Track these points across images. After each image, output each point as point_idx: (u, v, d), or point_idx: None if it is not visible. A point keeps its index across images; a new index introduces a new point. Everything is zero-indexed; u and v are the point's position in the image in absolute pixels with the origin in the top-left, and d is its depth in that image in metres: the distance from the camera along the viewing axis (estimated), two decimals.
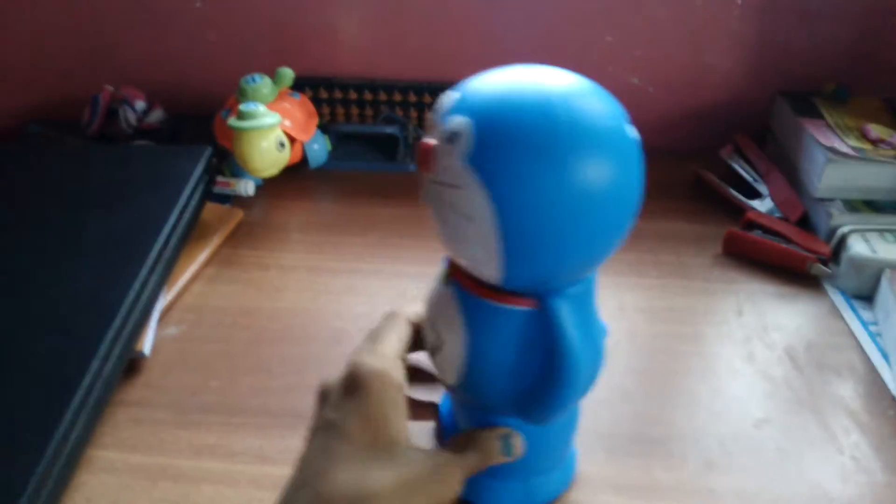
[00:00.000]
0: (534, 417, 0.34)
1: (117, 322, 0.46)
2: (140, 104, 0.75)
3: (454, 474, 0.34)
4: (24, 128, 0.78)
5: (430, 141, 0.30)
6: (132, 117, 0.74)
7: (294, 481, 0.32)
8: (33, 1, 0.77)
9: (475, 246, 0.30)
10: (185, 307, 0.56)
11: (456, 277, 0.34)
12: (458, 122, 0.29)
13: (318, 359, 0.52)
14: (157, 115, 0.76)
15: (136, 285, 0.49)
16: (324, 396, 0.35)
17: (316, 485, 0.31)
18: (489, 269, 0.31)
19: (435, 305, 0.36)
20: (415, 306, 0.38)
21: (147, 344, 0.51)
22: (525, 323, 0.33)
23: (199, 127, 0.74)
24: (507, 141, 0.28)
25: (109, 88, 0.75)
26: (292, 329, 0.55)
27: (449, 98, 0.31)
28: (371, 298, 0.58)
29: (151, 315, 0.52)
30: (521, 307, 0.33)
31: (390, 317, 0.37)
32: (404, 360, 0.36)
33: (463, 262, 0.33)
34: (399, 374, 0.34)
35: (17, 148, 0.70)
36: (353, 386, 0.33)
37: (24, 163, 0.63)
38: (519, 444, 0.36)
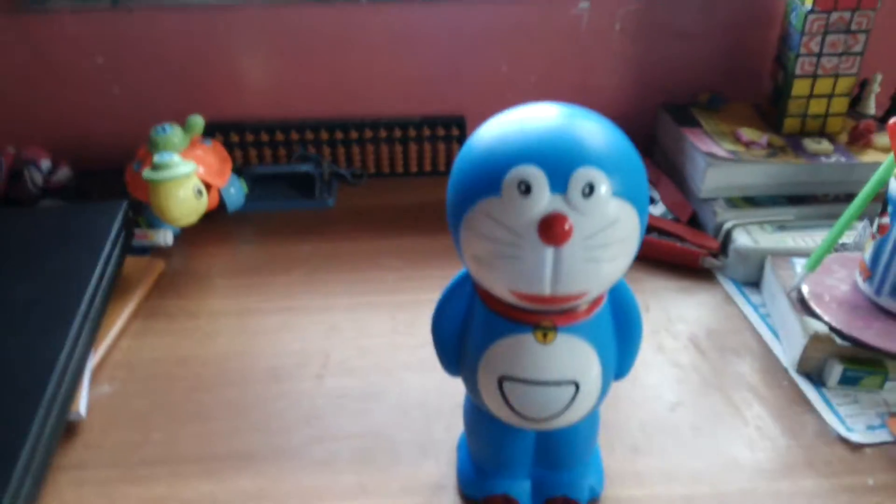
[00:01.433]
0: (623, 374, 0.39)
1: (51, 386, 0.46)
2: (45, 163, 0.74)
3: None
4: None
5: (560, 213, 0.30)
6: (38, 178, 0.73)
7: None
8: None
9: (620, 260, 0.32)
10: (116, 364, 0.56)
11: (549, 321, 0.35)
12: (587, 172, 0.30)
13: (259, 398, 0.53)
14: (63, 173, 0.75)
15: (67, 347, 0.49)
16: None
17: None
18: (605, 284, 0.33)
19: (549, 360, 0.35)
20: None
21: (82, 405, 0.50)
22: (606, 314, 0.37)
23: (107, 181, 0.74)
24: (619, 156, 0.31)
25: (11, 150, 0.74)
26: (228, 373, 0.56)
27: (530, 174, 0.30)
28: (304, 334, 0.60)
29: (84, 375, 0.52)
30: (603, 303, 0.36)
31: None
32: None
33: (575, 292, 0.32)
34: None
35: None
36: None
37: None
38: None
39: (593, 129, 0.31)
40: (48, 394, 0.45)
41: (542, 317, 0.34)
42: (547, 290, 0.31)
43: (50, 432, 0.45)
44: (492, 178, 0.30)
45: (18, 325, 0.50)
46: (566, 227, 0.29)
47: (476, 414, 0.40)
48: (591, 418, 0.38)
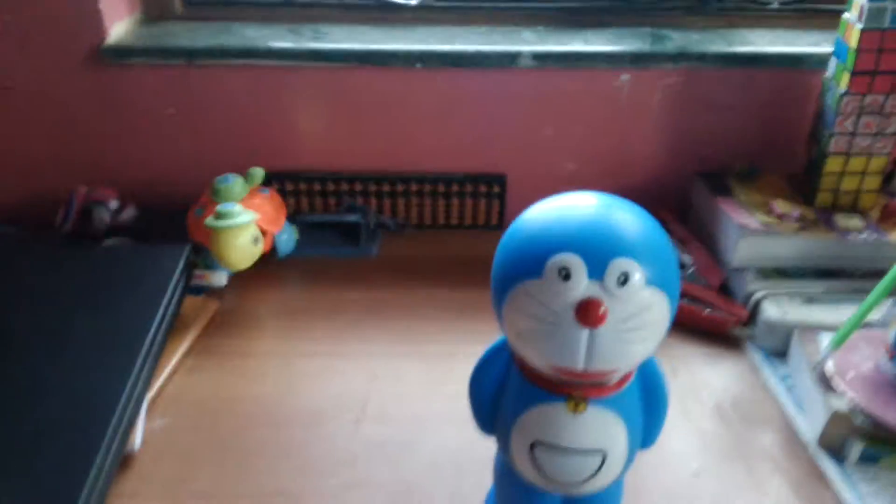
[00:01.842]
0: (648, 444, 0.41)
1: (115, 420, 0.50)
2: (113, 203, 0.79)
3: None
4: None
5: (596, 298, 0.33)
6: (106, 216, 0.78)
7: None
8: (3, 111, 0.82)
9: (650, 343, 0.35)
10: (169, 399, 0.60)
11: (581, 393, 0.37)
12: (623, 262, 0.33)
13: (301, 439, 0.56)
14: (129, 212, 0.80)
15: (129, 383, 0.53)
16: None
17: None
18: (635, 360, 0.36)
19: (580, 430, 0.38)
20: None
21: (137, 437, 0.54)
22: (634, 388, 0.39)
23: (168, 223, 0.79)
24: (653, 247, 0.34)
25: (83, 189, 0.80)
26: (274, 413, 0.59)
27: (570, 261, 0.33)
28: (345, 379, 0.63)
29: (141, 409, 0.56)
30: (632, 378, 0.39)
31: None
32: None
33: (608, 369, 0.35)
34: None
35: None
36: None
37: (1, 266, 0.67)
38: None
39: (629, 221, 0.34)
40: (111, 427, 0.50)
41: (575, 388, 0.37)
42: (580, 366, 0.34)
43: (110, 463, 0.49)
44: (535, 261, 0.34)
45: (86, 358, 0.55)
46: (601, 311, 0.33)
47: (506, 472, 0.43)
48: (616, 485, 0.41)
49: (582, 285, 0.33)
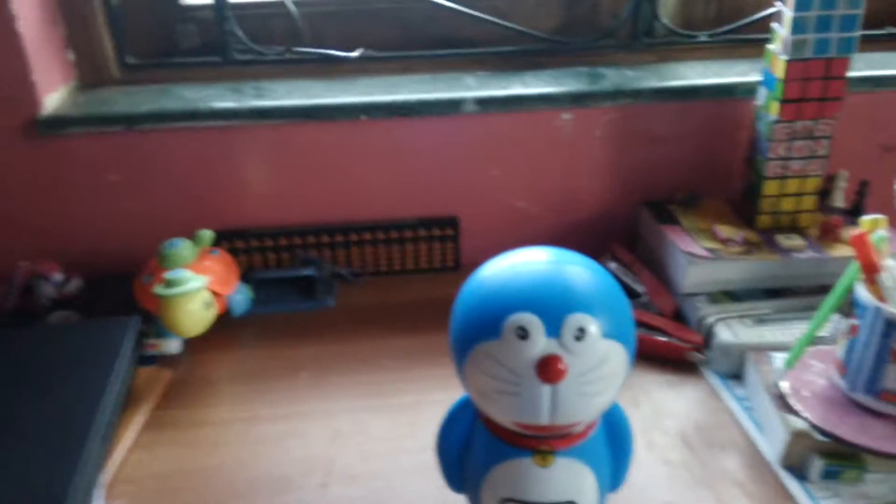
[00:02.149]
0: (617, 486, 0.41)
1: None
2: (57, 276, 0.77)
3: None
4: None
5: (555, 355, 0.33)
6: (51, 290, 0.76)
7: None
8: None
9: (611, 392, 0.36)
10: (127, 478, 0.58)
11: (547, 446, 0.37)
12: (578, 317, 0.34)
13: None
14: (75, 284, 0.78)
15: (82, 466, 0.51)
16: None
17: None
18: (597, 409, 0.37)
19: (549, 483, 0.38)
20: None
21: None
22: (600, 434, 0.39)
23: (116, 291, 0.77)
24: (606, 300, 0.35)
25: (24, 265, 0.77)
26: (235, 484, 0.57)
27: (527, 321, 0.34)
28: (308, 441, 0.62)
29: (96, 494, 0.54)
30: (598, 425, 0.39)
31: None
32: None
33: (571, 420, 0.36)
34: None
35: None
36: None
37: None
38: None
39: (581, 275, 0.35)
40: None
41: (541, 441, 0.37)
42: (545, 420, 0.34)
43: None
44: (492, 323, 0.34)
45: (33, 447, 0.52)
46: (561, 367, 0.33)
47: None
48: None
49: (540, 344, 0.33)
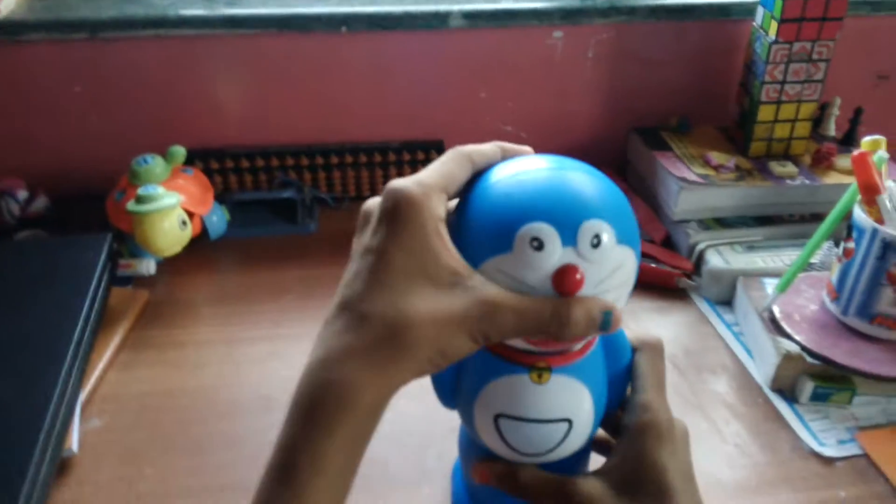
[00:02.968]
0: (613, 408, 0.40)
1: (46, 424, 0.46)
2: (22, 193, 0.73)
3: (506, 317, 0.31)
4: None
5: (571, 264, 0.31)
6: (15, 208, 0.72)
7: (335, 306, 0.32)
8: None
9: (621, 302, 0.34)
10: (105, 397, 0.56)
11: (544, 363, 0.36)
12: (594, 224, 0.31)
13: (251, 429, 0.53)
14: (40, 202, 0.74)
15: (59, 384, 0.49)
16: (365, 219, 0.34)
17: (355, 307, 0.31)
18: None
19: (544, 400, 0.36)
20: (484, 146, 0.35)
21: (74, 440, 0.50)
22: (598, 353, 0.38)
23: (86, 210, 0.73)
24: (617, 206, 0.33)
25: None
26: (219, 404, 0.56)
27: (542, 230, 0.31)
28: (292, 362, 0.59)
29: (75, 410, 0.52)
30: (595, 343, 0.37)
31: (451, 152, 0.34)
32: (449, 193, 0.33)
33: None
34: (439, 205, 0.32)
35: None
36: (391, 214, 0.31)
37: None
38: (617, 319, 0.33)
39: (591, 183, 0.33)
40: (44, 432, 0.46)
41: (538, 358, 0.35)
42: None
43: (46, 470, 0.45)
44: (503, 235, 0.32)
45: (10, 363, 0.50)
46: (578, 276, 0.31)
47: (471, 445, 0.41)
48: (583, 451, 0.40)
49: (557, 254, 0.31)
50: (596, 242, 0.31)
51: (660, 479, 0.35)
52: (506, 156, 0.36)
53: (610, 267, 0.32)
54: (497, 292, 0.31)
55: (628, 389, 0.40)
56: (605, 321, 0.32)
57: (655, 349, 0.40)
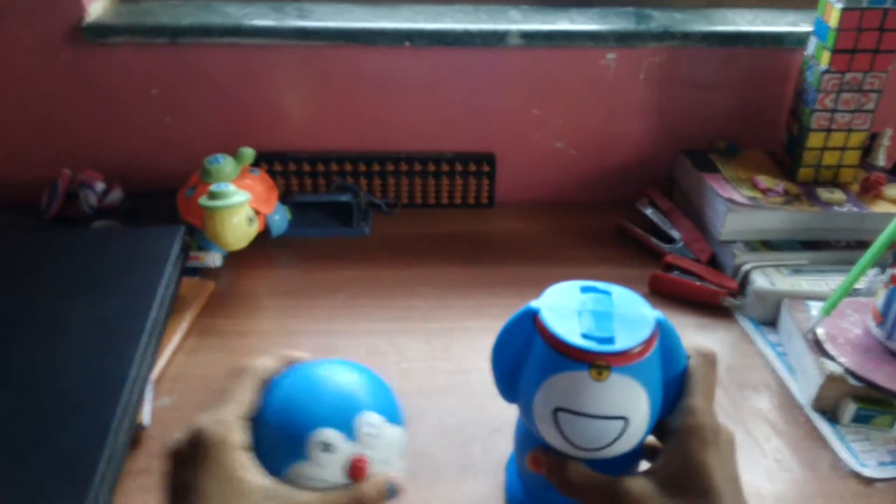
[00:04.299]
0: (668, 413, 0.42)
1: (124, 397, 0.49)
2: (100, 185, 0.78)
3: None
4: None
5: (358, 456, 0.38)
6: (93, 199, 0.77)
7: None
8: None
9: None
10: (174, 377, 0.60)
11: (604, 361, 0.38)
12: (367, 415, 0.39)
13: None
14: (116, 195, 0.79)
15: (136, 362, 0.52)
16: (173, 457, 0.38)
17: None
18: None
19: (603, 396, 0.38)
20: (266, 360, 0.42)
21: (146, 415, 0.54)
22: (656, 356, 0.40)
23: (157, 204, 0.78)
24: (379, 395, 0.41)
25: (68, 172, 0.78)
26: None
27: (328, 435, 0.38)
28: (346, 355, 0.62)
29: (147, 387, 0.55)
30: (654, 346, 0.40)
31: (238, 374, 0.40)
32: (246, 417, 0.39)
33: None
34: (238, 435, 0.37)
35: None
36: (198, 452, 0.36)
37: None
38: (400, 487, 0.40)
39: (354, 379, 0.40)
40: (121, 404, 0.49)
41: (598, 356, 0.38)
42: None
43: (122, 440, 0.49)
44: (295, 446, 0.38)
45: (92, 341, 0.54)
46: (364, 465, 0.38)
47: (528, 438, 0.44)
48: (636, 450, 0.42)
49: (344, 450, 0.38)
50: (372, 431, 0.38)
51: (706, 481, 0.37)
52: (285, 363, 0.42)
53: (386, 445, 0.39)
54: (304, 496, 0.37)
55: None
56: (391, 491, 0.39)
57: (709, 358, 0.42)
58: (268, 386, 0.40)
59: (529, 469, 0.42)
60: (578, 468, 0.40)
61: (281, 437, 0.38)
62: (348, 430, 0.38)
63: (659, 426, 0.42)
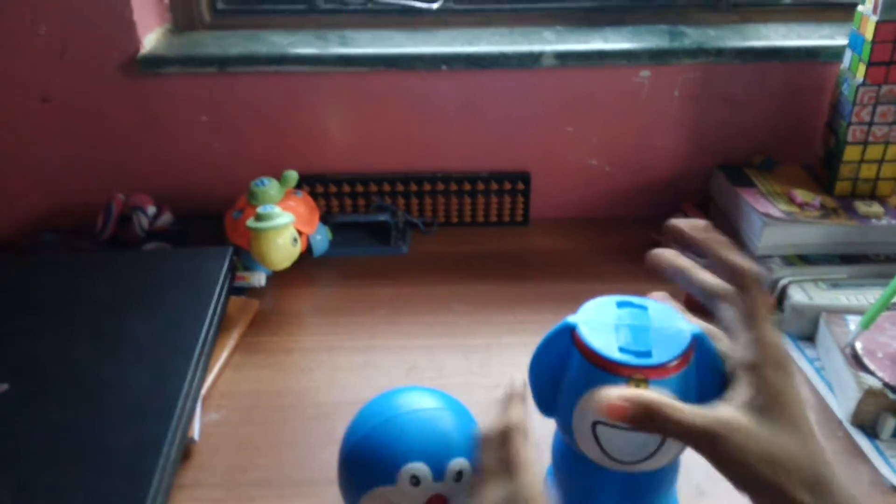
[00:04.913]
0: None
1: (177, 413, 0.52)
2: (151, 209, 0.82)
3: None
4: (36, 237, 0.84)
5: (440, 494, 0.42)
6: (145, 222, 0.80)
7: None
8: (42, 120, 0.84)
9: None
10: (221, 394, 0.62)
11: (642, 375, 0.39)
12: (458, 462, 0.42)
13: None
14: (166, 218, 0.82)
15: (188, 378, 0.55)
16: None
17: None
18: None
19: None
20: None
21: (196, 430, 0.56)
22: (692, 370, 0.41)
23: (205, 227, 0.81)
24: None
25: (121, 197, 0.82)
26: (321, 405, 0.61)
27: (419, 469, 0.42)
28: (386, 371, 0.65)
29: (197, 403, 0.58)
30: (691, 360, 0.40)
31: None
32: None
33: None
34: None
35: (35, 258, 0.76)
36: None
37: (49, 272, 0.69)
38: None
39: (454, 424, 0.44)
40: (175, 420, 0.52)
41: (636, 370, 0.39)
42: None
43: (175, 454, 0.51)
44: (388, 471, 0.42)
45: (147, 357, 0.57)
46: None
47: (566, 452, 0.45)
48: (674, 464, 0.42)
49: (429, 488, 0.41)
50: (458, 477, 0.41)
51: (797, 411, 0.37)
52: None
53: (466, 491, 0.40)
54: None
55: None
56: None
57: (753, 283, 0.40)
58: (366, 413, 0.46)
59: (603, 416, 0.39)
60: (672, 408, 0.37)
61: (379, 458, 0.42)
62: (439, 470, 0.42)
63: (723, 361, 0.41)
